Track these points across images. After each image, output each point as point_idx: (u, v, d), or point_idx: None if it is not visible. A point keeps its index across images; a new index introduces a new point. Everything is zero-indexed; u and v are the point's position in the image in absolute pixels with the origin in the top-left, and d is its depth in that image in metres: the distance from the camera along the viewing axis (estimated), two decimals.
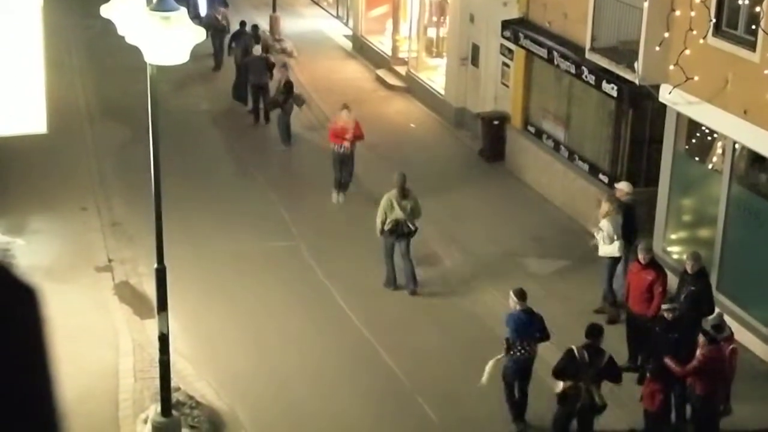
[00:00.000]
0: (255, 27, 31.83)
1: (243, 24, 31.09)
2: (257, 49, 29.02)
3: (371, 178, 23.61)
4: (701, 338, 14.41)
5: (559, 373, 14.07)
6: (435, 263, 20.28)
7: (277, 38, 34.68)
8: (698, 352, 14.00)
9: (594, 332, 14.03)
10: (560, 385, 14.13)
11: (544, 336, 15.04)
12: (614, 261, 17.96)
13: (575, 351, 13.86)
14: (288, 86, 26.35)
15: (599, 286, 18.67)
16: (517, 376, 15.06)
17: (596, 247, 18.26)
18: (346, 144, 22.60)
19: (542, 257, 20.49)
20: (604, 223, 17.80)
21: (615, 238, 17.68)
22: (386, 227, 18.77)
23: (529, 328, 14.88)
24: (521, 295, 14.98)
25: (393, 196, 18.85)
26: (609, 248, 17.83)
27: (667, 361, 14.11)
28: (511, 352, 14.91)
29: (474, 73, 27.32)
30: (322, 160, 23.29)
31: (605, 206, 17.92)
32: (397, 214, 18.71)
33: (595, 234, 18.13)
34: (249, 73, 28.10)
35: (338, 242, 20.92)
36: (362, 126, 23.00)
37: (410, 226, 18.79)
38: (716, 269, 17.77)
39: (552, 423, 14.54)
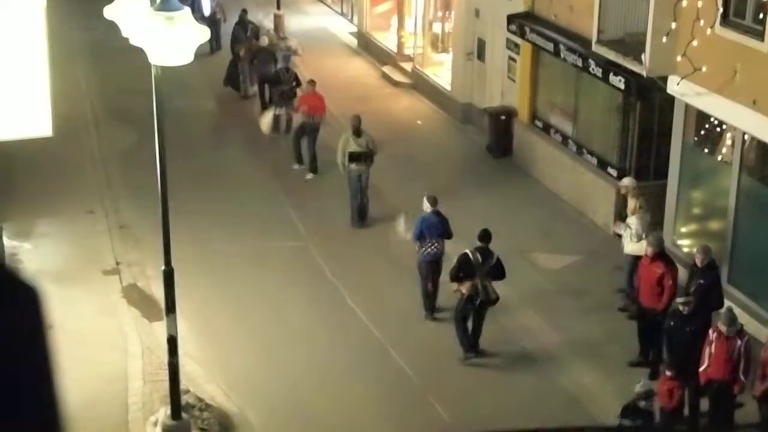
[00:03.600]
0: (244, 11, 32.06)
1: (245, 12, 31.51)
2: (264, 40, 29.22)
3: (378, 176, 23.50)
4: (711, 334, 14.31)
5: (456, 277, 16.32)
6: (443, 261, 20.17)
7: (282, 36, 34.61)
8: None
9: (485, 237, 16.40)
10: (455, 286, 16.51)
11: (448, 235, 17.72)
12: (637, 258, 17.67)
13: (469, 254, 16.32)
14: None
15: (611, 280, 18.57)
16: (430, 269, 17.71)
17: (618, 235, 18.11)
18: (320, 114, 24.28)
19: (551, 252, 20.37)
20: (633, 221, 17.50)
21: (643, 236, 17.41)
22: (347, 160, 21.16)
23: (437, 227, 17.63)
24: (433, 200, 17.83)
25: (349, 135, 21.41)
26: (635, 246, 17.46)
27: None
28: (423, 249, 17.65)
29: (480, 68, 27.20)
30: (330, 158, 23.13)
31: (632, 203, 17.63)
32: (354, 147, 21.16)
33: (622, 231, 17.89)
34: (256, 64, 28.37)
35: (347, 241, 20.83)
36: (325, 100, 24.85)
37: (367, 154, 21.20)
38: (727, 261, 17.65)
39: (454, 315, 16.78)
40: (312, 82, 25.02)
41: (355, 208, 21.54)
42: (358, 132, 21.36)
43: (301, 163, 24.51)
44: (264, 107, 27.81)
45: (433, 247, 17.68)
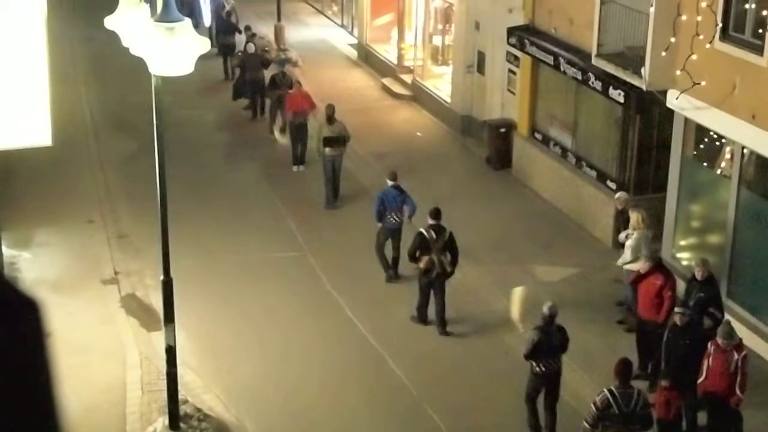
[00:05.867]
0: (228, 13, 32.93)
1: (229, 15, 32.12)
2: (251, 47, 29.56)
3: (378, 188, 23.53)
4: (710, 347, 14.31)
5: (413, 254, 17.51)
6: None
7: (282, 48, 34.68)
8: None
9: (436, 215, 17.57)
10: (413, 265, 17.69)
11: (412, 209, 19.34)
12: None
13: (424, 232, 17.50)
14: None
15: (610, 293, 18.56)
16: (389, 236, 19.49)
17: (622, 245, 18.09)
18: (306, 113, 25.12)
19: (551, 264, 20.38)
20: (631, 239, 17.46)
21: (640, 254, 17.29)
22: (322, 144, 22.59)
23: (396, 199, 19.39)
24: (393, 176, 19.73)
25: (323, 122, 23.09)
26: (632, 264, 17.46)
27: None
28: (384, 220, 19.38)
29: (480, 81, 27.24)
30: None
31: (635, 216, 17.59)
32: (326, 132, 22.66)
33: (622, 246, 17.82)
34: (246, 70, 28.89)
35: (345, 252, 20.85)
36: (315, 98, 25.96)
37: (341, 138, 22.68)
38: (726, 275, 17.65)
39: (419, 290, 17.85)
40: (298, 83, 26.41)
41: (330, 190, 22.93)
42: (330, 120, 22.85)
43: (297, 164, 25.29)
44: (255, 113, 28.61)
45: (392, 218, 19.42)
